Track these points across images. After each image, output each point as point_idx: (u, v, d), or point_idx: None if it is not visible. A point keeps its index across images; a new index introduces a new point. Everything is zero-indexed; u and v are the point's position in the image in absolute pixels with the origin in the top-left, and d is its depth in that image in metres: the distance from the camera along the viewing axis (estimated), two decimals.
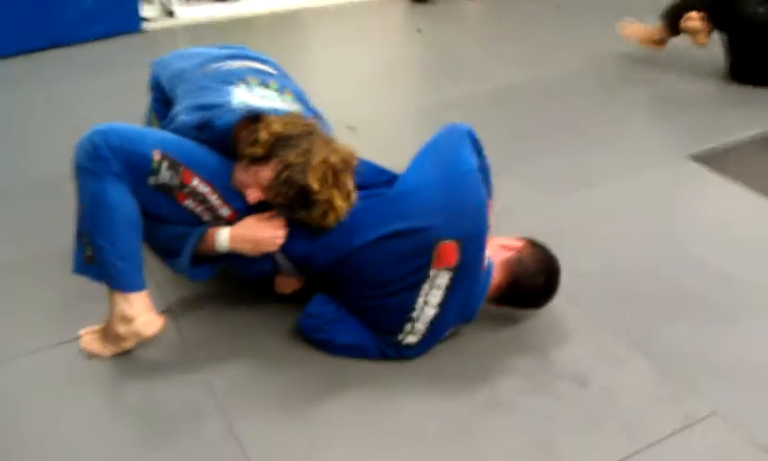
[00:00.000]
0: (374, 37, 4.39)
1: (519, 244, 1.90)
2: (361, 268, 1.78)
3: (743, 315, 2.02)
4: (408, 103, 3.43)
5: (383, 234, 1.76)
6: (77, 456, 1.59)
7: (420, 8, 4.85)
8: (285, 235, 1.78)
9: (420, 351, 1.83)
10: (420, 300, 1.76)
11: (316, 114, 1.94)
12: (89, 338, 1.85)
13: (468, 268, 1.77)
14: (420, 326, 1.78)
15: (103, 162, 1.66)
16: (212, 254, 1.81)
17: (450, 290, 1.75)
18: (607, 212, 2.51)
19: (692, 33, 3.51)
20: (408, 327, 1.78)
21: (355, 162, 1.80)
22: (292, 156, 1.67)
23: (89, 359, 1.82)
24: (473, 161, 1.86)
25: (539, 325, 1.97)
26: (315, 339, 1.85)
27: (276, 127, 1.69)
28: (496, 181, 2.41)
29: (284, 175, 1.67)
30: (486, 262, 1.83)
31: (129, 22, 4.22)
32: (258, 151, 1.68)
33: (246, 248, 1.78)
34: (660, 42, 3.72)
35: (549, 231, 2.22)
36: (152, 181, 1.70)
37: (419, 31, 4.40)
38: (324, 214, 1.74)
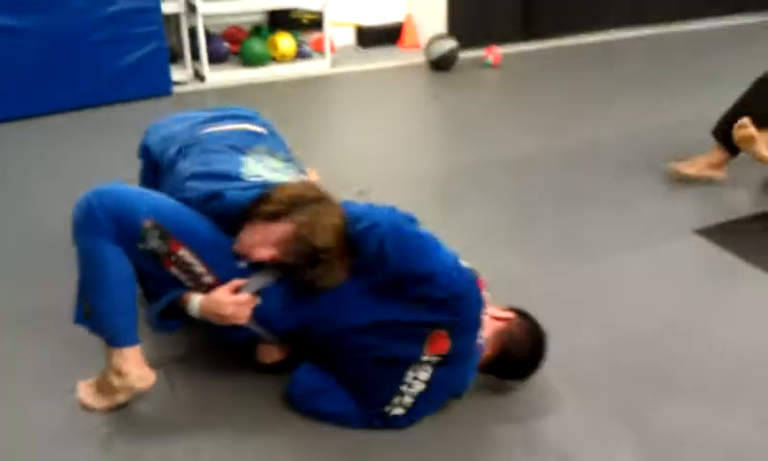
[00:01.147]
0: (392, 103, 4.51)
1: (509, 315, 1.94)
2: (354, 346, 1.82)
3: (740, 393, 2.00)
4: (420, 168, 3.50)
5: (380, 320, 1.79)
6: None
7: (440, 75, 4.98)
8: (248, 314, 1.82)
9: (405, 423, 1.85)
10: (410, 375, 1.80)
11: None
12: (86, 390, 1.91)
13: (460, 354, 1.81)
14: (408, 399, 1.82)
15: (95, 223, 1.73)
16: (183, 310, 1.86)
17: (440, 370, 1.80)
18: (610, 285, 2.51)
19: (748, 142, 3.03)
20: (396, 400, 1.81)
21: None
22: (307, 215, 1.77)
23: (84, 411, 1.88)
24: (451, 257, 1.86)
25: (527, 397, 1.97)
26: (302, 409, 1.89)
27: (290, 189, 1.81)
28: (501, 250, 2.46)
29: (299, 233, 1.75)
30: (479, 342, 1.85)
31: (160, 85, 4.41)
32: (272, 209, 1.77)
33: (213, 319, 1.83)
34: (718, 167, 3.24)
35: (549, 302, 2.28)
36: (140, 246, 1.76)
37: (434, 97, 4.51)
38: (326, 274, 1.80)
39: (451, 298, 1.76)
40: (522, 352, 1.91)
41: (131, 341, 1.82)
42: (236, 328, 1.86)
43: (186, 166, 1.98)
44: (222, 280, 1.81)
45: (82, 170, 3.37)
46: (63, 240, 2.62)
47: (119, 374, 1.83)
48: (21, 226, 2.87)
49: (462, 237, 2.75)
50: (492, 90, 4.80)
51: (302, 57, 5.10)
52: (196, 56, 4.74)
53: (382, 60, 5.28)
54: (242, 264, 1.82)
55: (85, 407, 1.89)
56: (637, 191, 3.22)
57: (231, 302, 1.79)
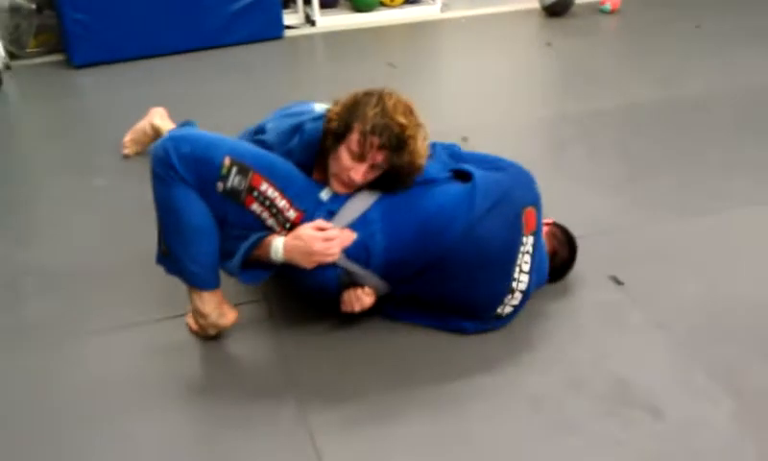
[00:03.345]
0: (503, 49, 4.41)
1: (549, 219, 2.10)
2: (462, 254, 1.84)
3: None
4: (526, 115, 3.43)
5: (473, 218, 1.83)
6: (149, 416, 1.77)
7: (554, 21, 4.81)
8: (339, 250, 1.78)
9: (506, 322, 1.95)
10: (517, 269, 1.87)
11: None
12: (189, 319, 2.00)
13: (539, 231, 1.94)
14: (518, 294, 1.90)
15: (171, 169, 1.72)
16: (267, 261, 1.82)
17: (533, 255, 1.90)
18: (717, 241, 2.39)
19: None
20: (508, 297, 1.89)
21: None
22: (369, 110, 1.76)
23: (192, 335, 2.01)
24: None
25: (623, 347, 1.94)
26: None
27: (342, 99, 1.82)
28: (605, 198, 2.40)
29: (369, 126, 1.73)
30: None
31: (272, 29, 4.52)
32: (335, 124, 1.77)
33: (299, 259, 1.78)
34: None
35: (653, 252, 2.28)
36: (219, 186, 1.74)
37: (548, 44, 4.37)
38: (413, 156, 1.80)
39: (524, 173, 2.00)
40: (564, 252, 2.08)
41: (209, 285, 1.85)
42: (325, 270, 1.81)
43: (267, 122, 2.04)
44: (306, 215, 1.80)
45: (202, 104, 3.52)
46: None
47: (200, 314, 1.88)
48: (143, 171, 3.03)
49: (565, 185, 2.74)
50: (607, 38, 4.59)
51: (412, 1, 5.06)
52: (307, 1, 4.80)
53: (494, 5, 5.15)
54: (325, 195, 1.83)
55: (192, 332, 2.00)
56: (755, 147, 3.02)
57: (320, 237, 1.76)
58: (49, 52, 4.28)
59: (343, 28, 4.78)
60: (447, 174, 1.96)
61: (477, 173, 1.91)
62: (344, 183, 1.83)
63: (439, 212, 1.84)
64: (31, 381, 1.87)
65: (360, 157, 1.77)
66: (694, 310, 2.07)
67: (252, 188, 1.75)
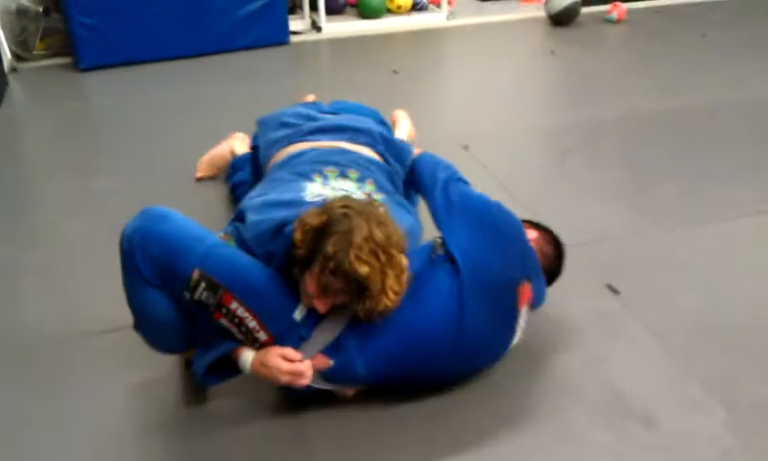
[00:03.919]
0: (507, 57, 4.41)
1: (534, 235, 1.91)
2: (454, 363, 1.75)
3: None
4: (529, 123, 3.42)
5: (464, 325, 1.69)
6: None
7: (560, 30, 4.81)
8: (307, 381, 1.62)
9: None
10: (515, 339, 1.82)
11: (399, 204, 1.88)
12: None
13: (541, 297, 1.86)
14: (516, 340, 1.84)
15: (134, 269, 1.60)
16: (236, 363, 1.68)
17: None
18: (717, 251, 2.38)
19: None
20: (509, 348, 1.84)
21: (405, 246, 1.62)
22: (330, 244, 1.50)
23: None
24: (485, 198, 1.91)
25: (618, 357, 1.93)
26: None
27: (310, 220, 1.55)
28: (606, 207, 2.34)
29: (330, 266, 1.50)
30: None
31: (278, 34, 4.54)
32: (301, 253, 1.55)
33: (265, 379, 1.63)
34: None
35: (651, 260, 2.26)
36: (186, 295, 1.59)
37: (552, 52, 4.37)
38: (377, 301, 1.55)
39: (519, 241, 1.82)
40: (552, 264, 1.93)
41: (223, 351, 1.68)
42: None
43: (253, 194, 1.88)
44: (277, 338, 1.62)
45: (207, 108, 3.55)
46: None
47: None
48: (162, 159, 3.03)
49: (566, 193, 2.73)
50: (613, 47, 4.59)
51: (419, 9, 5.08)
52: (314, 7, 4.82)
53: (500, 13, 5.16)
54: (299, 315, 1.62)
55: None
56: (759, 157, 3.01)
57: (287, 370, 1.59)
58: (55, 55, 4.32)
59: (349, 34, 4.80)
60: (429, 255, 1.78)
61: (462, 262, 1.71)
62: (309, 305, 1.63)
63: (423, 326, 1.66)
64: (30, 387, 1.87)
65: (323, 292, 1.55)
66: (691, 321, 2.06)
67: (220, 305, 1.58)
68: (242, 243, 1.71)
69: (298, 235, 1.54)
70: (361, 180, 1.83)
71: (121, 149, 3.04)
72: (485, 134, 3.21)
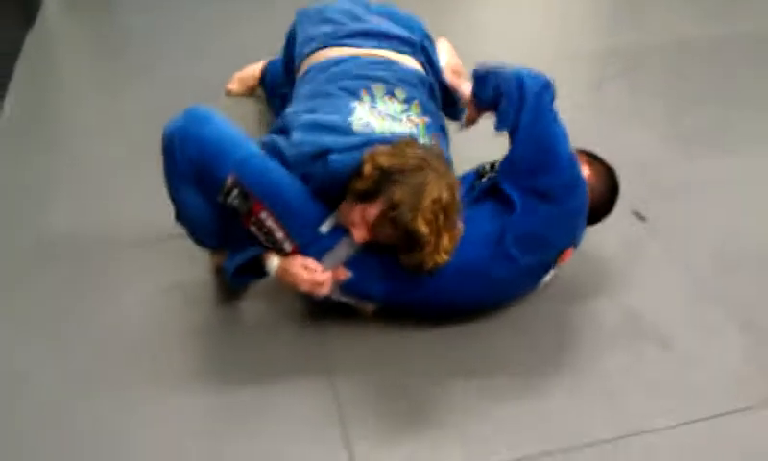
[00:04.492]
0: None
1: (586, 172, 1.82)
2: (479, 300, 1.80)
3: None
4: (570, 48, 3.31)
5: (497, 273, 1.72)
6: None
7: None
8: (326, 291, 1.69)
9: None
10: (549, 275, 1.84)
11: (441, 129, 1.86)
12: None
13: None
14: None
15: (175, 165, 1.68)
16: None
17: None
18: (747, 180, 2.37)
19: None
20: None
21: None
22: (400, 193, 1.53)
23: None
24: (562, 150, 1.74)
25: (637, 282, 1.96)
26: None
27: (383, 159, 1.56)
28: (641, 133, 2.43)
29: (391, 214, 1.54)
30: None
31: None
32: (363, 186, 1.57)
33: (288, 285, 1.71)
34: None
35: (680, 187, 2.29)
36: (219, 198, 1.66)
37: None
38: (428, 258, 1.61)
39: (568, 190, 1.72)
40: (603, 200, 1.87)
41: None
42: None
43: (299, 108, 1.83)
44: (302, 248, 1.68)
45: (242, 25, 3.45)
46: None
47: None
48: (192, 78, 2.97)
49: (602, 118, 2.70)
50: None
51: None
52: None
53: None
54: (325, 228, 1.68)
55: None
56: None
57: (308, 280, 1.66)
58: None
59: None
60: (472, 183, 1.80)
61: (518, 208, 1.69)
62: (344, 224, 1.68)
63: (453, 261, 1.65)
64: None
65: (372, 230, 1.61)
66: (714, 247, 2.08)
67: (250, 213, 1.66)
68: (277, 154, 1.72)
69: (368, 168, 1.56)
70: (408, 101, 1.83)
71: (151, 68, 3.05)
72: (517, 60, 3.14)
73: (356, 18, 2.08)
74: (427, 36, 2.14)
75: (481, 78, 1.81)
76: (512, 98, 1.70)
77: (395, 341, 1.79)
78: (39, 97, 2.89)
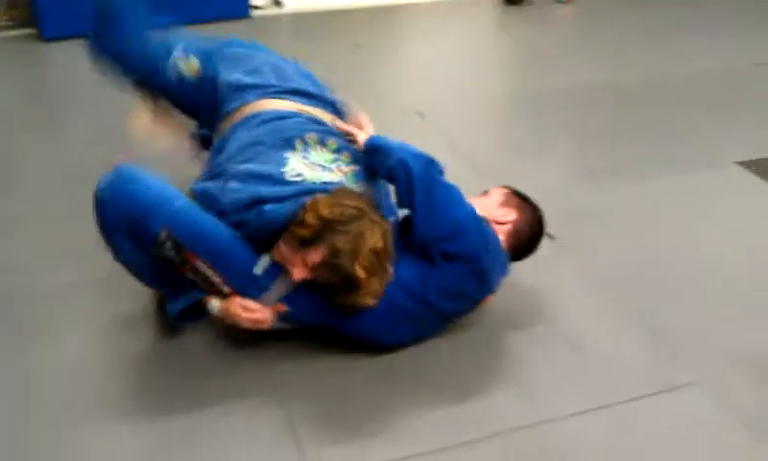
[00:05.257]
0: (460, 34, 4.60)
1: (511, 217, 2.00)
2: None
3: (744, 306, 2.13)
4: (479, 93, 3.63)
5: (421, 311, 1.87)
6: None
7: (513, 10, 5.02)
8: (268, 325, 1.79)
9: None
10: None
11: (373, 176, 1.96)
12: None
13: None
14: None
15: (107, 220, 1.75)
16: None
17: None
18: (649, 206, 2.64)
19: None
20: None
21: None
22: (340, 242, 1.65)
23: None
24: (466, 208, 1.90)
25: (549, 292, 2.17)
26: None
27: (324, 210, 1.67)
28: (549, 168, 2.65)
29: (332, 261, 1.66)
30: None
31: (238, 8, 4.65)
32: (306, 233, 1.66)
33: (232, 323, 1.81)
34: None
35: (588, 215, 2.53)
36: (153, 251, 1.73)
37: (503, 29, 4.58)
38: (360, 299, 1.74)
39: (478, 252, 1.85)
40: (530, 242, 2.04)
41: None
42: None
43: (236, 156, 1.90)
44: (239, 290, 1.78)
45: None
46: None
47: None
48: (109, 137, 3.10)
49: (510, 154, 2.95)
50: (562, 25, 4.82)
51: None
52: None
53: None
54: (259, 270, 1.77)
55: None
56: (686, 125, 3.27)
57: (247, 319, 1.77)
58: (20, 25, 4.36)
59: (310, 9, 4.93)
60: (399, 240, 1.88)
61: (436, 265, 1.84)
62: (280, 262, 1.77)
63: (385, 304, 1.80)
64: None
65: (311, 271, 1.71)
66: (618, 263, 2.32)
67: (185, 262, 1.73)
68: (210, 201, 1.81)
69: (310, 217, 1.66)
70: (338, 151, 1.93)
71: (82, 108, 3.14)
72: (439, 103, 3.41)
73: (286, 77, 2.15)
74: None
75: (370, 154, 1.93)
76: (401, 182, 1.85)
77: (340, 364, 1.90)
78: None
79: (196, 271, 1.74)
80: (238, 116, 2.05)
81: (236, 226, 1.78)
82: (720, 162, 2.93)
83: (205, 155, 2.14)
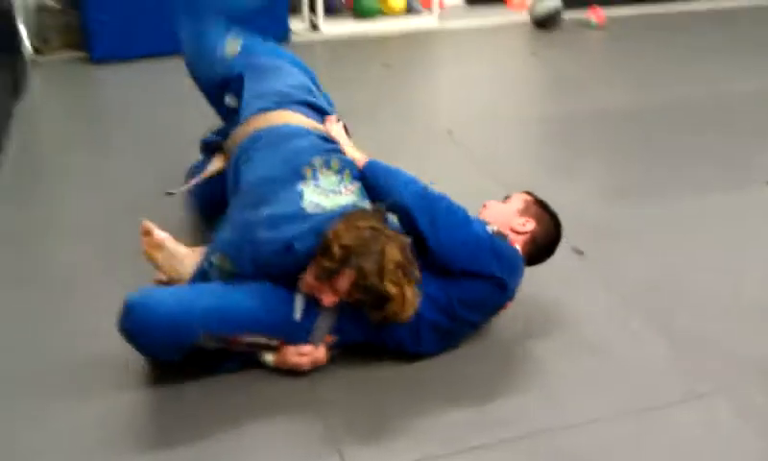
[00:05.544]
0: (491, 58, 4.72)
1: (530, 227, 2.08)
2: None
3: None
4: (508, 114, 3.73)
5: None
6: None
7: (543, 34, 5.12)
8: (325, 358, 1.90)
9: None
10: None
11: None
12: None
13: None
14: None
15: (140, 348, 1.81)
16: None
17: None
18: (674, 222, 2.71)
19: None
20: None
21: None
22: (365, 263, 1.75)
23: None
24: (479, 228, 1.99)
25: (575, 304, 2.24)
26: None
27: (345, 238, 1.75)
28: (575, 187, 2.72)
29: (362, 283, 1.76)
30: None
31: (277, 32, 4.82)
32: (333, 265, 1.75)
33: (290, 368, 1.90)
34: None
35: (610, 231, 2.59)
36: (196, 347, 1.80)
37: (533, 53, 4.68)
38: (400, 310, 1.80)
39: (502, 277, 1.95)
40: (546, 247, 2.13)
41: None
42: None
43: (246, 188, 2.00)
44: (287, 340, 1.87)
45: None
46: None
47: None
48: (155, 156, 3.27)
49: (539, 173, 3.03)
50: (592, 50, 4.91)
51: (412, 12, 5.38)
52: (312, 8, 5.12)
53: (487, 18, 5.47)
54: (298, 315, 1.85)
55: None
56: (723, 147, 3.33)
57: (307, 362, 1.88)
58: (71, 48, 4.58)
59: (345, 35, 5.09)
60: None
61: (457, 286, 1.92)
62: (309, 292, 1.86)
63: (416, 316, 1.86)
64: None
65: (337, 293, 1.81)
66: (642, 277, 2.39)
67: (230, 344, 1.83)
68: (240, 253, 1.88)
69: (335, 249, 1.74)
70: (341, 171, 1.99)
71: (130, 128, 3.29)
72: (468, 122, 3.52)
73: (310, 91, 2.30)
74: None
75: (367, 186, 2.02)
76: (403, 222, 1.96)
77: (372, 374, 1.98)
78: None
79: (243, 344, 1.84)
80: (253, 127, 2.13)
81: (265, 267, 1.86)
82: (749, 183, 2.98)
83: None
